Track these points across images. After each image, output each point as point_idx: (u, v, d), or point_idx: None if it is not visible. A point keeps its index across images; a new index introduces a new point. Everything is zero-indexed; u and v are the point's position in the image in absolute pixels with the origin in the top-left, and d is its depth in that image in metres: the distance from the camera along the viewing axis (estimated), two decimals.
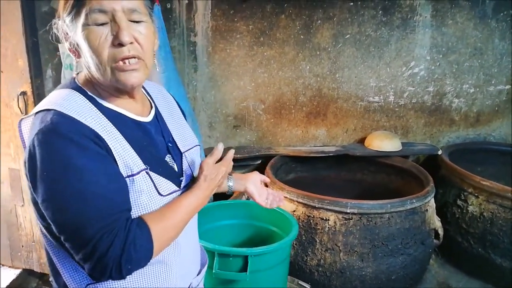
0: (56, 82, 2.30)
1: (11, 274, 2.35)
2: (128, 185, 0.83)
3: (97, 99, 0.88)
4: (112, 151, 0.82)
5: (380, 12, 2.74)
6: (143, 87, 1.04)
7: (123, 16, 0.81)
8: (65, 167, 0.75)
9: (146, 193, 0.85)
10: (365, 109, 2.93)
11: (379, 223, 2.08)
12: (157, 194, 0.88)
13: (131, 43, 0.82)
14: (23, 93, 2.12)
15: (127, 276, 0.85)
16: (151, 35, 0.88)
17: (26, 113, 2.15)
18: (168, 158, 0.98)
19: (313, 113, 2.90)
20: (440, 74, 2.91)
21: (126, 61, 0.83)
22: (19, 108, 2.13)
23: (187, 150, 1.04)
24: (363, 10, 2.72)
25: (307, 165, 2.87)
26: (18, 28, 2.05)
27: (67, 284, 0.89)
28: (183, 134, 1.06)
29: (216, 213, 2.01)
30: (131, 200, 0.83)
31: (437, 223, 2.34)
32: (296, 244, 2.16)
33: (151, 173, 0.88)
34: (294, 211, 2.17)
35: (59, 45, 2.41)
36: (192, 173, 1.03)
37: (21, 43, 2.07)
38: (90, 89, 0.89)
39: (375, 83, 2.88)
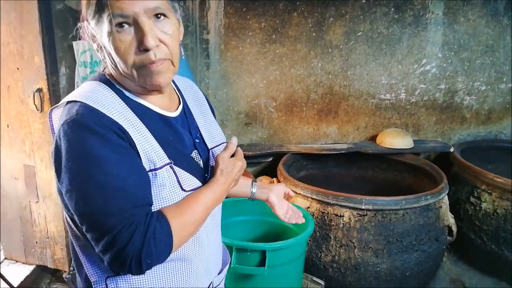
0: (70, 79, 2.31)
1: (24, 270, 2.37)
2: (151, 179, 0.83)
3: (125, 92, 0.88)
4: (136, 144, 0.82)
5: (392, 9, 2.74)
6: (173, 81, 1.04)
7: (145, 19, 0.79)
8: (87, 158, 0.76)
9: (169, 188, 0.85)
10: (376, 106, 2.93)
11: (393, 220, 2.08)
12: (180, 189, 0.87)
13: (157, 46, 0.81)
14: (39, 90, 2.13)
15: (148, 272, 0.85)
16: (176, 31, 0.86)
17: (41, 110, 2.16)
18: (194, 154, 0.97)
19: (325, 110, 2.91)
20: (451, 71, 2.91)
21: (154, 63, 0.82)
22: (35, 105, 2.14)
23: (214, 147, 1.03)
24: (375, 7, 2.72)
25: (318, 162, 2.87)
26: (34, 26, 2.06)
27: (88, 275, 0.90)
28: (210, 131, 1.05)
29: (232, 209, 2.02)
30: (153, 194, 0.83)
31: (450, 220, 2.33)
32: (310, 241, 2.17)
33: (175, 167, 0.87)
34: (308, 207, 2.17)
35: (74, 43, 2.43)
36: None
37: (37, 40, 2.08)
38: (117, 82, 0.89)
39: (386, 80, 2.88)
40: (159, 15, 0.82)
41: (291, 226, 2.00)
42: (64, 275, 2.35)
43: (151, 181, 0.83)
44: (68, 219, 0.88)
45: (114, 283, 0.88)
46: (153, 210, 0.83)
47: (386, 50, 2.82)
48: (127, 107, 0.86)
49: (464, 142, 3.00)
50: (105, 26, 0.79)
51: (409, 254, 2.10)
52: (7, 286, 2.10)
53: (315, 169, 2.88)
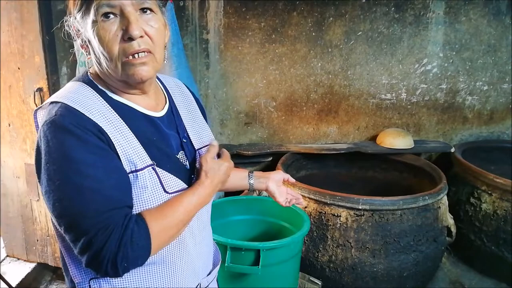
0: (71, 78, 2.33)
1: (26, 268, 2.40)
2: (132, 180, 0.82)
3: (107, 92, 0.88)
4: (115, 145, 0.81)
5: (393, 9, 2.73)
6: (160, 81, 1.04)
7: (132, 10, 0.81)
8: (65, 160, 0.76)
9: (151, 190, 0.84)
10: (377, 106, 2.92)
11: (391, 220, 2.08)
12: (163, 191, 0.86)
13: (141, 36, 0.82)
14: (40, 89, 2.16)
15: (130, 274, 0.85)
16: (161, 27, 0.87)
17: None
18: (181, 154, 0.96)
19: (325, 110, 2.90)
20: (453, 71, 2.89)
21: (136, 55, 0.82)
22: (35, 104, 2.17)
23: (201, 147, 1.02)
24: (375, 7, 2.71)
25: (318, 162, 2.87)
26: (35, 25, 2.09)
27: (72, 277, 0.89)
28: (198, 131, 1.04)
29: (228, 208, 2.03)
30: (134, 196, 0.82)
31: (449, 220, 2.32)
32: (307, 240, 2.17)
33: (158, 169, 0.86)
34: (305, 207, 2.17)
35: (74, 43, 2.45)
36: None
37: (38, 40, 2.11)
38: (101, 83, 0.89)
39: (387, 80, 2.87)
40: (146, 10, 0.83)
41: (288, 226, 2.01)
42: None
43: (132, 183, 0.82)
44: (53, 219, 0.87)
45: (97, 284, 0.87)
46: (134, 213, 0.82)
47: (386, 49, 2.80)
48: (109, 107, 0.86)
49: (466, 143, 2.98)
50: (91, 16, 0.80)
51: (407, 255, 2.10)
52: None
53: (315, 169, 2.88)
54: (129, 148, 0.83)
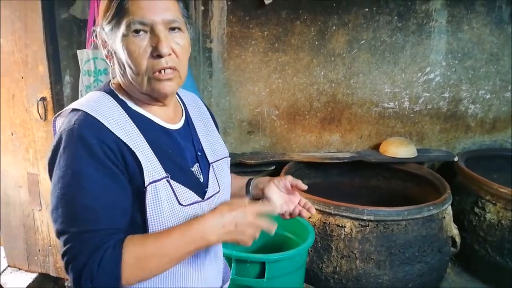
0: (74, 88, 2.33)
1: (27, 278, 2.38)
2: (150, 192, 0.83)
3: (128, 102, 0.91)
4: (137, 154, 0.83)
5: (395, 18, 2.73)
6: (178, 95, 1.06)
7: (162, 28, 0.83)
8: (71, 170, 0.79)
9: (166, 202, 0.85)
10: (379, 115, 2.91)
11: (396, 230, 2.06)
12: (177, 204, 0.87)
13: (169, 54, 0.84)
14: (43, 99, 2.16)
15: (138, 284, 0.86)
16: (187, 45, 0.89)
17: (45, 119, 2.18)
18: (195, 167, 0.97)
19: (328, 119, 2.90)
20: (456, 80, 2.89)
21: (163, 71, 0.85)
22: (39, 114, 2.16)
23: (215, 161, 1.03)
24: (378, 16, 2.72)
25: (321, 171, 2.86)
26: (39, 35, 2.09)
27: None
28: (213, 144, 1.05)
29: None
30: (150, 208, 0.83)
31: (454, 230, 2.31)
32: (311, 251, 2.15)
33: (172, 181, 0.87)
34: (309, 217, 2.16)
35: (78, 52, 2.45)
36: (218, 185, 1.01)
37: (41, 49, 2.11)
38: (122, 93, 0.91)
39: (390, 89, 2.87)
40: (175, 28, 0.86)
41: (292, 237, 1.99)
42: (66, 283, 2.36)
43: (150, 194, 0.83)
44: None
45: None
46: (152, 225, 0.83)
47: (389, 58, 2.81)
48: (128, 118, 0.88)
49: (469, 151, 2.97)
50: (121, 30, 0.82)
51: (412, 266, 2.08)
52: None
53: (318, 177, 2.87)
54: (147, 160, 0.85)
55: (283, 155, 2.83)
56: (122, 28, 0.82)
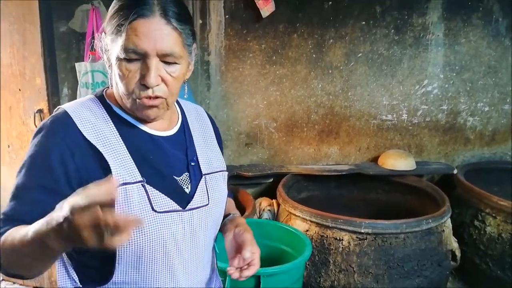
0: (72, 100, 2.34)
1: None
2: (121, 194, 0.82)
3: (114, 107, 0.91)
4: (106, 158, 0.84)
5: (392, 31, 2.75)
6: (179, 104, 1.06)
7: (154, 59, 0.82)
8: (29, 152, 0.85)
9: (138, 206, 0.84)
10: (378, 127, 2.91)
11: (394, 244, 2.04)
12: (150, 209, 0.85)
13: (157, 85, 0.84)
14: (40, 111, 2.16)
15: None
16: (181, 75, 0.88)
17: None
18: (184, 176, 0.95)
19: (326, 131, 2.89)
20: (454, 92, 2.89)
21: (149, 98, 0.85)
22: (35, 126, 2.16)
23: (209, 173, 1.00)
24: (375, 29, 2.74)
25: (319, 184, 2.84)
26: (37, 48, 2.11)
27: (59, 285, 0.92)
28: (209, 157, 1.03)
29: None
30: (122, 210, 0.82)
31: (454, 244, 2.28)
32: (309, 265, 2.12)
33: (147, 186, 0.86)
34: (307, 230, 2.14)
35: (76, 64, 2.46)
36: (208, 198, 0.97)
37: (39, 62, 2.12)
38: (112, 100, 0.92)
39: (388, 101, 2.87)
40: (169, 63, 0.85)
41: (289, 250, 1.97)
42: None
43: (121, 196, 0.83)
44: None
45: None
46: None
47: (386, 71, 2.81)
48: (111, 122, 0.89)
49: (468, 164, 2.96)
50: (117, 49, 0.83)
51: (411, 280, 2.05)
52: None
53: (316, 190, 2.85)
54: (119, 163, 0.85)
55: (281, 167, 2.82)
56: (118, 48, 0.82)
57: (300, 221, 2.18)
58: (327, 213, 2.10)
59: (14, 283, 2.44)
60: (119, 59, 0.83)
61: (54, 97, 2.22)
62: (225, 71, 2.75)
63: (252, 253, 0.95)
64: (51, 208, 0.67)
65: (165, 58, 0.83)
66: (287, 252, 1.95)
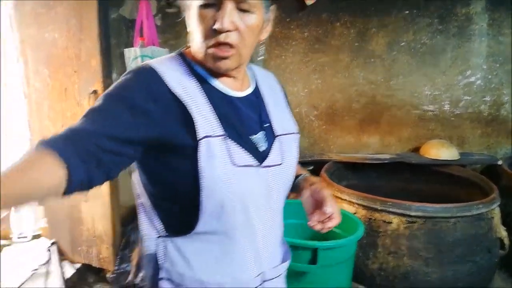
0: None
1: (70, 269, 2.41)
2: (203, 146, 0.84)
3: (193, 65, 0.93)
4: (190, 111, 0.85)
5: (436, 20, 2.74)
6: (252, 68, 1.07)
7: (228, 4, 0.83)
8: (113, 87, 0.85)
9: (219, 159, 0.85)
10: (419, 117, 2.89)
11: (444, 228, 2.02)
12: (230, 163, 0.86)
13: (229, 30, 0.83)
14: (95, 92, 2.23)
15: (194, 240, 0.91)
16: (255, 27, 0.88)
17: None
18: (260, 135, 0.96)
19: (366, 120, 2.89)
20: (497, 83, 2.85)
21: (221, 47, 0.85)
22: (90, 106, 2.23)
23: (282, 134, 1.02)
24: (418, 18, 2.73)
25: (359, 173, 2.84)
26: (93, 31, 2.18)
27: (143, 233, 0.96)
28: (282, 119, 1.04)
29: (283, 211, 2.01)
30: (203, 163, 0.83)
31: (503, 232, 2.24)
32: (357, 247, 2.12)
33: (228, 140, 0.87)
34: (354, 213, 2.14)
35: (125, 50, 2.54)
36: (282, 158, 0.99)
37: (95, 45, 2.19)
38: (190, 57, 0.94)
39: (430, 91, 2.85)
40: (244, 11, 0.85)
41: (339, 232, 1.97)
42: (107, 275, 2.37)
43: (200, 149, 0.84)
44: (139, 176, 0.94)
45: (163, 244, 0.93)
46: (205, 183, 0.84)
47: (429, 60, 2.80)
48: (194, 77, 0.90)
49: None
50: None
51: (462, 265, 2.03)
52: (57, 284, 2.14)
53: (356, 179, 2.84)
54: (202, 117, 0.86)
55: (322, 155, 2.83)
56: None
57: (347, 205, 2.18)
58: (376, 196, 2.10)
59: (63, 259, 2.50)
60: (195, 8, 0.85)
61: (107, 79, 2.28)
62: (268, 59, 2.78)
63: (332, 207, 0.99)
64: (118, 139, 0.79)
65: (240, 5, 0.84)
66: (337, 234, 1.95)
